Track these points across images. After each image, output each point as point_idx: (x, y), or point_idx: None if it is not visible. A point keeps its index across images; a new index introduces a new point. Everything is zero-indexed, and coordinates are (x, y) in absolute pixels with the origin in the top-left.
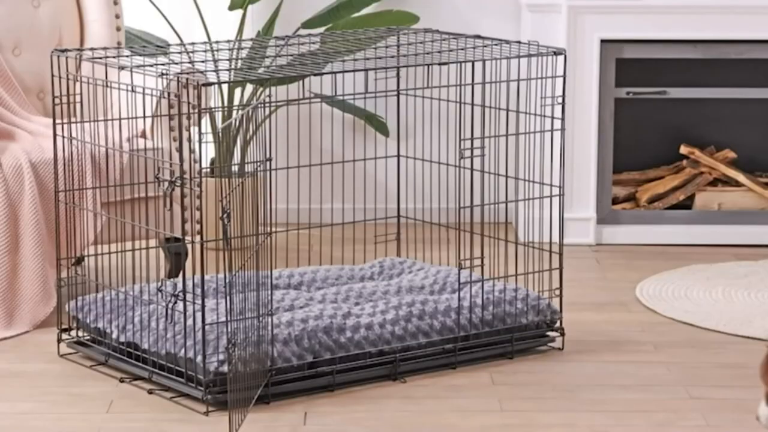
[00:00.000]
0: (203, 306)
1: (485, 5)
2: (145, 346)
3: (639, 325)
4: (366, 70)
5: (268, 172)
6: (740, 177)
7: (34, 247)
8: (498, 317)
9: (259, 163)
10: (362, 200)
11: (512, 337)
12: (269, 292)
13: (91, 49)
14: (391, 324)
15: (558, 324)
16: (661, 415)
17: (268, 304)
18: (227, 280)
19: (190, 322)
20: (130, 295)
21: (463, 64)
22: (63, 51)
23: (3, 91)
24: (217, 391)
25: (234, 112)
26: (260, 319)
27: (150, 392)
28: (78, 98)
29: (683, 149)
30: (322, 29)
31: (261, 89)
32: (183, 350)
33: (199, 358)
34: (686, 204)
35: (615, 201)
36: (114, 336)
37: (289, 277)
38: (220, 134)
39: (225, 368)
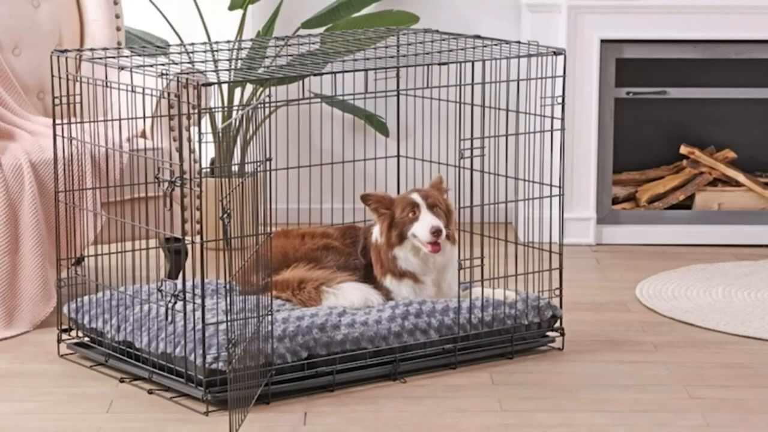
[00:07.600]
0: (203, 306)
1: (485, 5)
2: (140, 345)
3: (639, 325)
4: (366, 70)
5: (268, 172)
6: (740, 177)
7: (34, 247)
8: (498, 319)
9: (259, 163)
10: None
11: (512, 337)
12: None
13: (91, 49)
14: (387, 321)
15: (558, 324)
16: (661, 415)
17: (268, 306)
18: (227, 280)
19: (190, 322)
20: (128, 295)
21: (463, 64)
22: (63, 51)
23: (3, 91)
24: (217, 390)
25: (234, 112)
26: (260, 319)
27: (150, 392)
28: (78, 98)
29: (683, 149)
30: (321, 29)
31: (261, 89)
32: (178, 349)
33: (192, 357)
34: (686, 204)
35: (615, 201)
36: (110, 336)
37: None
38: (220, 134)
39: (220, 365)
